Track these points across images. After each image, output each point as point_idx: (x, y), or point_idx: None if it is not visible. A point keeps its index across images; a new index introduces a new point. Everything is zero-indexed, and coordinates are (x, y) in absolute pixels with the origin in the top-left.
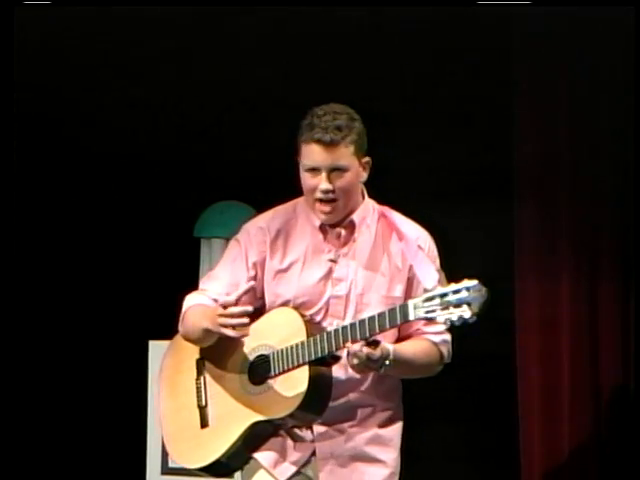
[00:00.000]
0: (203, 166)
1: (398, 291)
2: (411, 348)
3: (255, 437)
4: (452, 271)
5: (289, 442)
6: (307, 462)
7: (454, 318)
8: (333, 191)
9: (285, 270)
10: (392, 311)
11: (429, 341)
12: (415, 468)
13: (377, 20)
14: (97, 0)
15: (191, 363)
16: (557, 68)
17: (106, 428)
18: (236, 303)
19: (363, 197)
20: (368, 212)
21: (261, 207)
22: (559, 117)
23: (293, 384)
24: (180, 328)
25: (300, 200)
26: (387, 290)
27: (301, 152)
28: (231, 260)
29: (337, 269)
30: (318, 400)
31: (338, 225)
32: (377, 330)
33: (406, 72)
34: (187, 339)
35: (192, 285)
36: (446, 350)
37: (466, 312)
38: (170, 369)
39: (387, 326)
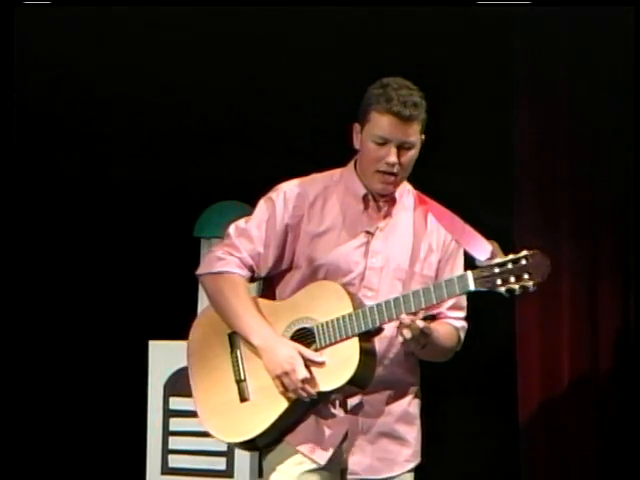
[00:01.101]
0: (203, 166)
1: (431, 270)
2: (441, 329)
3: (296, 410)
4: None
5: (323, 424)
6: (343, 441)
7: (515, 287)
8: (398, 165)
9: (321, 235)
10: (449, 282)
11: (452, 326)
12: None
13: (377, 20)
14: (97, 0)
15: (222, 337)
16: (557, 68)
17: (106, 428)
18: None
19: None
20: (406, 192)
21: None
22: (559, 117)
23: (344, 356)
24: (209, 285)
25: (337, 171)
26: (421, 268)
27: (370, 121)
28: (265, 219)
29: (374, 242)
30: (367, 372)
31: (381, 199)
32: (434, 301)
33: (406, 72)
34: (211, 301)
35: (192, 285)
36: (462, 337)
37: (528, 281)
38: (199, 344)
39: (445, 297)
